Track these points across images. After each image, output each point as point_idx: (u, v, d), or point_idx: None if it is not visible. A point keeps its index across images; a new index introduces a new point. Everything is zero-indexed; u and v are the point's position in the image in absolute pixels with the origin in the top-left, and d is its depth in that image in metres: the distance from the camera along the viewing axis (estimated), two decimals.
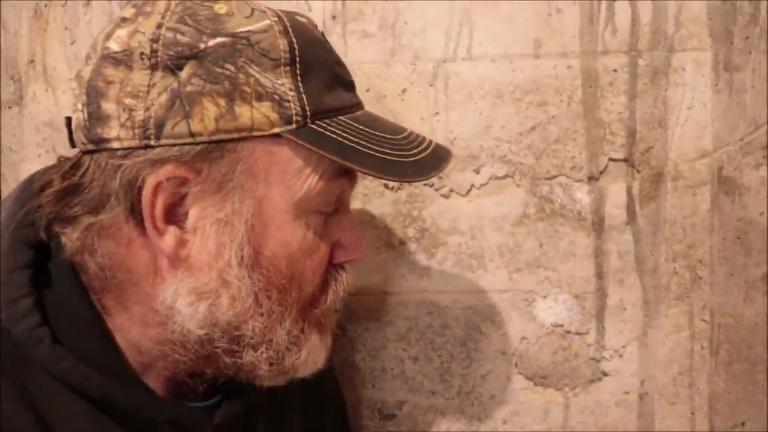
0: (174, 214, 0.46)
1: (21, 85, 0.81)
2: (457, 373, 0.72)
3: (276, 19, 0.47)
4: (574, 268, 0.69)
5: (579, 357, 0.70)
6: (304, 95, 0.46)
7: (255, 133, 0.45)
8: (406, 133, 0.52)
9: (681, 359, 0.70)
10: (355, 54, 0.70)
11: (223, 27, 0.45)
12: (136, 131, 0.44)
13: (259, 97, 0.44)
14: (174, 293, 0.46)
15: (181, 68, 0.44)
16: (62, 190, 0.47)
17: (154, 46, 0.44)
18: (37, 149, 0.81)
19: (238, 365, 0.49)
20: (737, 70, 0.69)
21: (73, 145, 0.48)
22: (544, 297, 0.70)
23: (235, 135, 0.44)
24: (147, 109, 0.44)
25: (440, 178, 0.70)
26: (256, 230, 0.47)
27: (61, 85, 0.79)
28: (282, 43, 0.46)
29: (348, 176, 0.51)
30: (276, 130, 0.45)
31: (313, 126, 0.46)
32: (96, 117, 0.45)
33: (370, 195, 0.71)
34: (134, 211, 0.45)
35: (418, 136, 0.53)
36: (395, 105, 0.70)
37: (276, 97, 0.45)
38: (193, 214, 0.46)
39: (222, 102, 0.44)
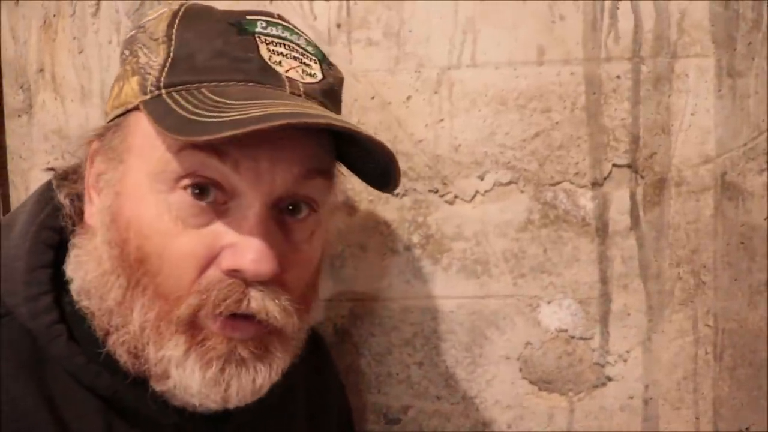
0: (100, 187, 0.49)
1: (30, 94, 0.82)
2: (462, 378, 0.72)
3: (175, 8, 0.50)
4: (578, 273, 0.70)
5: (583, 362, 0.71)
6: (166, 68, 0.47)
7: (128, 106, 0.48)
8: (272, 100, 0.44)
9: (685, 364, 0.70)
10: (360, 62, 0.70)
11: (139, 22, 0.52)
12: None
13: (133, 73, 0.48)
14: (69, 261, 0.49)
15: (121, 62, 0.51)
16: (74, 168, 0.53)
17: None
18: (46, 157, 0.82)
19: (110, 351, 0.47)
20: (740, 76, 0.69)
21: None
22: (549, 302, 0.70)
23: (120, 110, 0.48)
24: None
25: (444, 184, 0.70)
26: (119, 198, 0.47)
27: (70, 94, 0.80)
28: (162, 25, 0.49)
29: (215, 155, 0.44)
30: (136, 101, 0.47)
31: (164, 96, 0.46)
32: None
33: (376, 201, 0.72)
34: None
35: (296, 106, 0.45)
36: (400, 112, 0.71)
37: (143, 71, 0.48)
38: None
39: (120, 83, 0.50)
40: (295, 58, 0.49)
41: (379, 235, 0.72)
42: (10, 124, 0.85)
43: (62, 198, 0.51)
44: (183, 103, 0.44)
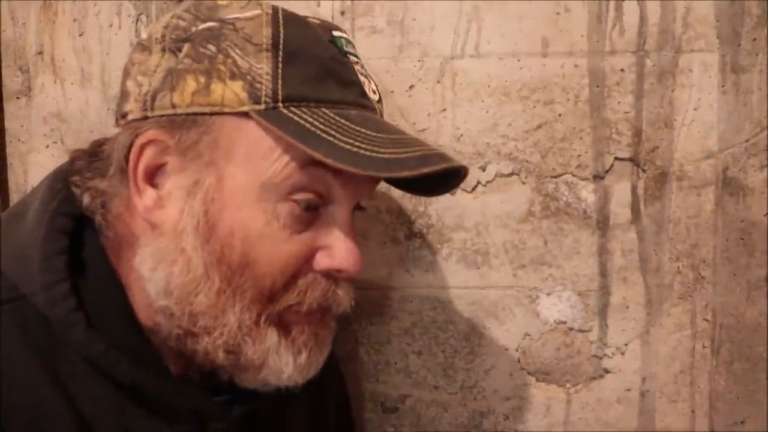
0: (156, 179, 0.49)
1: (29, 76, 0.82)
2: (461, 368, 0.72)
3: (269, 11, 0.49)
4: (578, 265, 0.70)
5: (581, 354, 0.71)
6: (280, 80, 0.46)
7: (225, 109, 0.46)
8: (399, 135, 0.49)
9: (682, 358, 0.71)
10: (364, 50, 0.70)
11: (216, 14, 0.49)
12: (140, 104, 0.49)
13: (233, 76, 0.46)
14: (140, 258, 0.48)
15: (180, 50, 0.48)
16: (89, 152, 0.52)
17: (164, 31, 0.49)
18: (45, 140, 0.81)
19: (200, 353, 0.49)
20: (744, 72, 0.69)
21: (117, 124, 0.52)
22: (548, 294, 0.70)
23: (207, 109, 0.47)
24: (150, 84, 0.49)
25: None
26: (216, 203, 0.47)
27: (70, 77, 0.79)
28: (266, 30, 0.47)
29: (332, 172, 0.47)
30: (244, 108, 0.46)
31: (283, 110, 0.46)
32: (122, 94, 0.51)
33: (377, 190, 0.72)
34: (126, 172, 0.49)
35: (419, 141, 0.50)
36: (402, 101, 0.70)
37: (249, 77, 0.46)
38: (169, 180, 0.48)
39: (202, 79, 0.47)
40: (366, 77, 0.52)
41: (381, 224, 0.72)
42: (8, 107, 0.84)
43: (86, 200, 0.50)
44: (315, 123, 0.46)
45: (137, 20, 0.76)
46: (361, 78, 0.51)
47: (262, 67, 0.46)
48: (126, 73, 0.51)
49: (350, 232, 0.50)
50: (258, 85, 0.46)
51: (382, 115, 0.53)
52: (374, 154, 0.45)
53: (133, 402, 0.48)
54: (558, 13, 0.68)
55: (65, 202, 0.50)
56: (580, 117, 0.69)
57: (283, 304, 0.49)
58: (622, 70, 0.68)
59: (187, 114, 0.47)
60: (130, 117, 0.49)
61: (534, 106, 0.69)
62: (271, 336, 0.48)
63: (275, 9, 0.49)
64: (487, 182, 0.70)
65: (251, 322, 0.48)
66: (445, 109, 0.70)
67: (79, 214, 0.50)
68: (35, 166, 0.82)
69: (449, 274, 0.71)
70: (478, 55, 0.69)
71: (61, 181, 0.51)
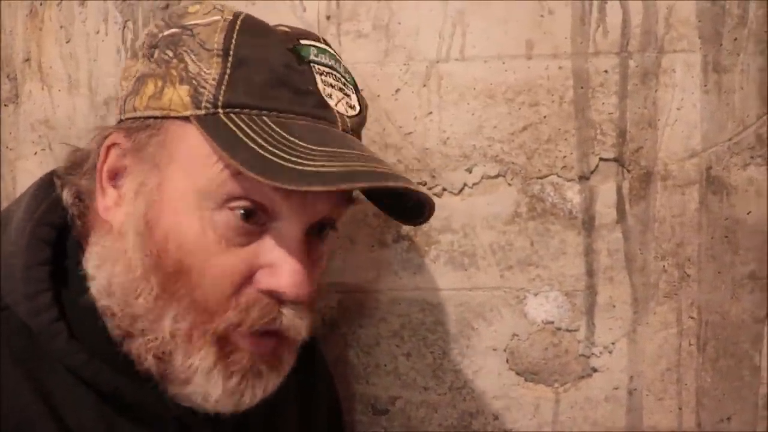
0: (119, 180, 0.49)
1: (17, 84, 0.82)
2: (450, 369, 0.73)
3: (229, 17, 0.49)
4: (565, 266, 0.71)
5: (569, 353, 0.71)
6: (224, 86, 0.46)
7: (171, 113, 0.47)
8: (341, 150, 0.46)
9: (669, 355, 0.71)
10: (349, 54, 0.70)
11: (181, 21, 0.49)
12: (119, 107, 0.51)
13: (181, 81, 0.47)
14: (88, 255, 0.49)
15: (152, 56, 0.49)
16: (76, 152, 0.53)
17: (144, 38, 0.51)
18: (33, 147, 0.81)
19: (134, 356, 0.47)
20: (726, 72, 0.70)
21: None
22: (535, 294, 0.71)
23: (158, 113, 0.47)
24: (125, 88, 0.51)
25: (433, 176, 0.71)
26: (155, 207, 0.47)
27: (57, 84, 0.79)
28: (218, 36, 0.47)
29: (274, 186, 0.43)
30: (187, 112, 0.46)
31: (222, 117, 0.45)
32: (116, 99, 0.55)
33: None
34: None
35: (364, 156, 0.46)
36: (388, 105, 0.71)
37: (195, 82, 0.46)
38: (125, 181, 0.49)
39: (159, 83, 0.48)
40: (340, 90, 0.50)
41: (368, 228, 0.73)
42: None
43: (65, 194, 0.51)
44: (248, 131, 0.44)
45: (124, 27, 0.77)
46: (327, 89, 0.49)
47: (210, 72, 0.46)
48: (119, 80, 0.53)
49: (297, 251, 0.47)
50: (202, 90, 0.46)
51: (352, 129, 0.50)
52: (296, 166, 0.42)
53: (117, 411, 0.48)
54: (542, 16, 0.69)
55: (49, 211, 0.50)
56: (564, 118, 0.69)
57: (224, 321, 0.46)
58: (605, 71, 0.69)
59: (144, 117, 0.48)
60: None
61: (519, 108, 0.70)
62: (205, 354, 0.46)
63: (236, 15, 0.49)
64: (474, 184, 0.71)
65: (185, 333, 0.46)
66: (431, 113, 0.70)
67: (62, 223, 0.50)
68: (24, 173, 0.82)
69: (437, 276, 0.72)
70: (463, 59, 0.70)
71: (47, 189, 0.51)
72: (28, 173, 0.81)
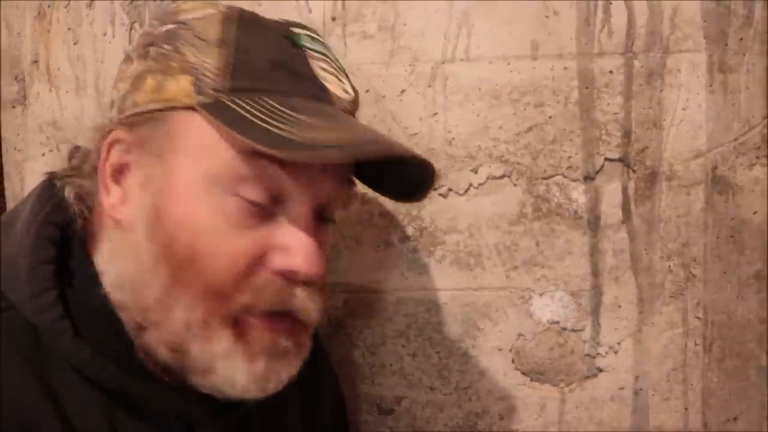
0: (122, 177, 0.49)
1: (25, 85, 0.82)
2: (455, 369, 0.73)
3: (225, 10, 0.50)
4: (570, 266, 0.71)
5: (575, 353, 0.71)
6: (227, 73, 0.47)
7: (175, 104, 0.47)
8: (344, 124, 0.48)
9: (675, 355, 0.71)
10: (355, 55, 0.71)
11: (175, 17, 0.50)
12: (117, 108, 0.51)
13: (183, 71, 0.47)
14: (99, 253, 0.49)
15: (148, 54, 0.50)
16: (77, 152, 0.54)
17: (139, 39, 0.52)
18: (41, 148, 0.82)
19: (145, 347, 0.47)
20: (731, 72, 0.70)
21: None
22: (541, 294, 0.71)
23: (161, 105, 0.48)
24: (123, 88, 0.50)
25: (438, 177, 0.71)
26: (164, 195, 0.47)
27: (65, 85, 0.80)
28: (216, 28, 0.49)
29: (279, 163, 0.45)
30: (191, 101, 0.47)
31: (227, 102, 0.46)
32: (110, 101, 0.53)
33: (370, 193, 0.72)
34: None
35: (364, 128, 0.49)
36: (394, 106, 0.71)
37: (196, 71, 0.47)
38: (130, 177, 0.49)
39: (159, 77, 0.48)
40: (334, 75, 0.51)
41: (374, 228, 0.73)
42: (4, 116, 0.85)
43: (68, 193, 0.51)
44: (254, 111, 0.45)
45: (131, 28, 0.77)
46: (322, 73, 0.50)
47: (211, 61, 0.47)
48: (114, 83, 0.53)
49: (308, 229, 0.47)
50: (204, 79, 0.47)
51: (350, 113, 0.52)
52: (306, 141, 0.43)
53: (122, 408, 0.48)
54: (547, 16, 0.69)
55: (54, 211, 0.50)
56: (570, 119, 0.70)
57: (237, 304, 0.46)
58: (610, 71, 0.69)
59: (146, 111, 0.48)
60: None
61: (524, 109, 0.70)
62: (222, 338, 0.46)
63: (231, 8, 0.50)
64: (479, 185, 0.71)
65: (200, 320, 0.46)
66: (436, 113, 0.71)
67: (68, 222, 0.50)
68: (32, 174, 0.82)
69: (443, 276, 0.72)
70: (468, 59, 0.70)
71: (51, 190, 0.52)
72: (35, 174, 0.82)
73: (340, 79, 0.52)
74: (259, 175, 0.46)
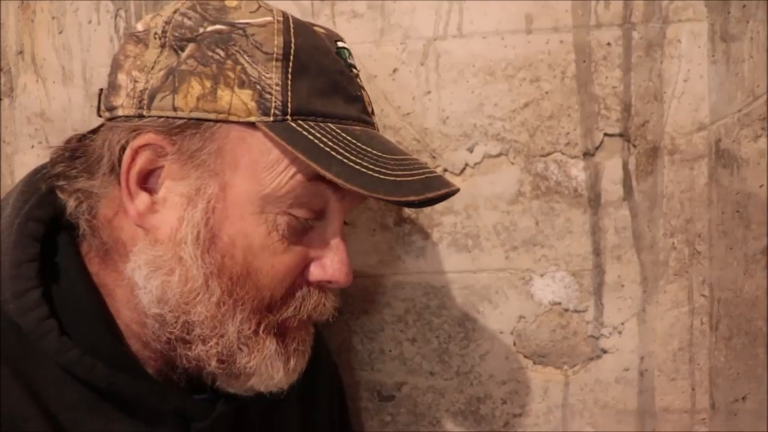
0: (149, 183, 0.48)
1: (11, 77, 0.81)
2: (456, 354, 0.71)
3: (280, 18, 0.47)
4: (571, 245, 0.69)
5: (578, 335, 0.70)
6: (289, 92, 0.46)
7: (231, 118, 0.45)
8: (402, 156, 0.49)
9: (681, 335, 0.70)
10: (345, 35, 0.68)
11: (225, 17, 0.47)
12: (135, 101, 0.47)
13: (242, 84, 0.45)
14: (134, 265, 0.47)
15: (183, 49, 0.46)
16: (71, 149, 0.50)
17: (166, 27, 0.47)
18: (30, 140, 0.80)
19: (190, 359, 0.48)
20: (734, 40, 0.67)
21: (99, 114, 0.50)
22: (542, 275, 0.69)
23: (212, 116, 0.46)
24: (147, 81, 0.47)
25: (433, 157, 0.69)
26: (217, 213, 0.46)
27: (51, 76, 0.78)
28: (277, 40, 0.46)
29: (332, 187, 0.47)
30: (252, 118, 0.45)
31: (292, 123, 0.45)
32: (112, 86, 0.49)
33: None
34: (117, 174, 0.48)
35: (420, 163, 0.50)
36: (386, 85, 0.69)
37: (258, 87, 0.45)
38: (165, 185, 0.47)
39: (207, 83, 0.45)
40: (365, 91, 0.52)
41: (369, 211, 0.71)
42: None
43: (60, 195, 0.49)
44: (323, 138, 0.46)
45: (116, 16, 0.76)
46: (365, 95, 0.51)
47: (272, 77, 0.46)
48: (117, 65, 0.49)
49: (342, 244, 0.51)
50: (267, 96, 0.45)
51: (378, 130, 0.53)
52: (381, 176, 0.46)
53: (113, 406, 0.47)
54: None
55: (38, 206, 0.48)
56: (567, 94, 0.67)
57: (282, 315, 0.49)
58: (608, 43, 0.67)
59: (190, 119, 0.46)
60: (120, 112, 0.47)
61: (520, 85, 0.68)
62: (270, 345, 0.49)
63: (285, 16, 0.48)
64: (475, 164, 0.69)
65: (250, 332, 0.48)
66: (429, 92, 0.69)
67: (52, 217, 0.48)
68: (21, 166, 0.81)
69: (441, 258, 0.70)
70: (461, 35, 0.68)
71: (35, 184, 0.50)
72: (25, 167, 0.81)
73: (368, 95, 0.53)
74: (315, 197, 0.48)
